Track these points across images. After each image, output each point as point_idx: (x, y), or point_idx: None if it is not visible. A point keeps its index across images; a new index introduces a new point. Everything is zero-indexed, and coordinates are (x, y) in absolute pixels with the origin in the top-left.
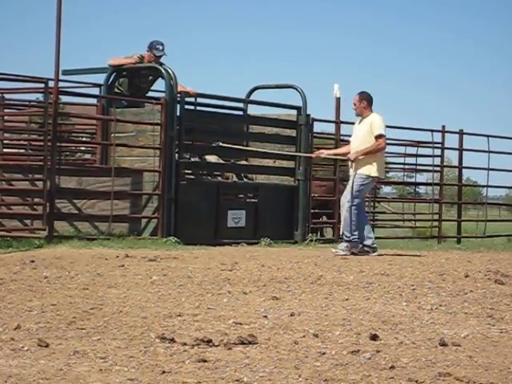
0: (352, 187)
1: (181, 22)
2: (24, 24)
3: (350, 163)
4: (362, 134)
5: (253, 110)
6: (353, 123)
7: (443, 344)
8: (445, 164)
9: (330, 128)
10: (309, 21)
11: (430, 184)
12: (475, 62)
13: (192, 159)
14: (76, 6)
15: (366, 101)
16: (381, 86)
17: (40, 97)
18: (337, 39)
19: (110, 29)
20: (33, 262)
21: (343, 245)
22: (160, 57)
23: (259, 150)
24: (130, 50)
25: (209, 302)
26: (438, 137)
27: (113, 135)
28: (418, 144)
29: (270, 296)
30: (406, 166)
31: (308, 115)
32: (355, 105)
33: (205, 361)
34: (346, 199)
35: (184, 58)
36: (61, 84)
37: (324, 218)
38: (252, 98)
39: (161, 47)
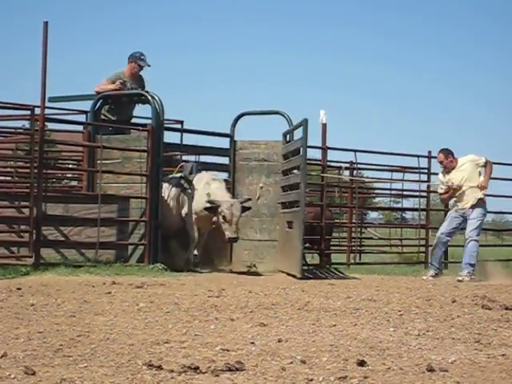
0: (476, 222)
1: (166, 46)
2: (9, 51)
3: (462, 199)
4: (468, 173)
5: (240, 135)
6: (340, 149)
7: (431, 369)
8: (431, 189)
9: (317, 154)
10: (294, 46)
11: (416, 209)
12: (461, 86)
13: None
14: (62, 32)
15: (451, 155)
16: (367, 112)
17: (26, 124)
18: (322, 65)
19: (96, 55)
20: (19, 289)
21: (466, 271)
22: (142, 67)
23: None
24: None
25: (196, 329)
26: (424, 162)
27: (99, 162)
28: (404, 169)
29: (257, 322)
30: (393, 192)
31: None
32: (442, 162)
33: None
34: (469, 233)
35: (169, 84)
36: (47, 111)
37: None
38: (239, 124)
39: (145, 58)
